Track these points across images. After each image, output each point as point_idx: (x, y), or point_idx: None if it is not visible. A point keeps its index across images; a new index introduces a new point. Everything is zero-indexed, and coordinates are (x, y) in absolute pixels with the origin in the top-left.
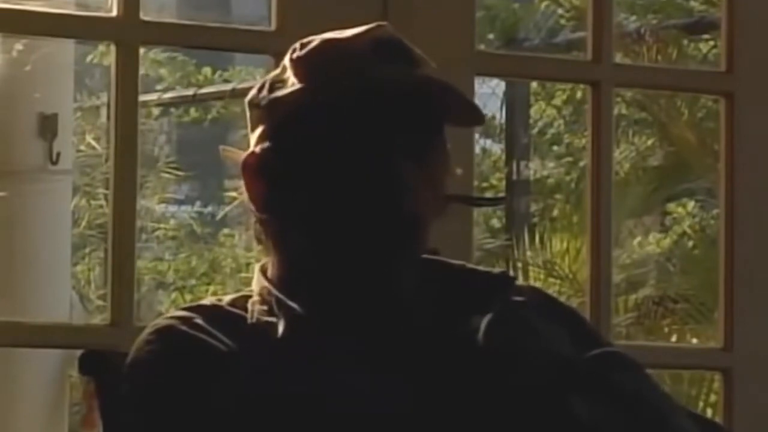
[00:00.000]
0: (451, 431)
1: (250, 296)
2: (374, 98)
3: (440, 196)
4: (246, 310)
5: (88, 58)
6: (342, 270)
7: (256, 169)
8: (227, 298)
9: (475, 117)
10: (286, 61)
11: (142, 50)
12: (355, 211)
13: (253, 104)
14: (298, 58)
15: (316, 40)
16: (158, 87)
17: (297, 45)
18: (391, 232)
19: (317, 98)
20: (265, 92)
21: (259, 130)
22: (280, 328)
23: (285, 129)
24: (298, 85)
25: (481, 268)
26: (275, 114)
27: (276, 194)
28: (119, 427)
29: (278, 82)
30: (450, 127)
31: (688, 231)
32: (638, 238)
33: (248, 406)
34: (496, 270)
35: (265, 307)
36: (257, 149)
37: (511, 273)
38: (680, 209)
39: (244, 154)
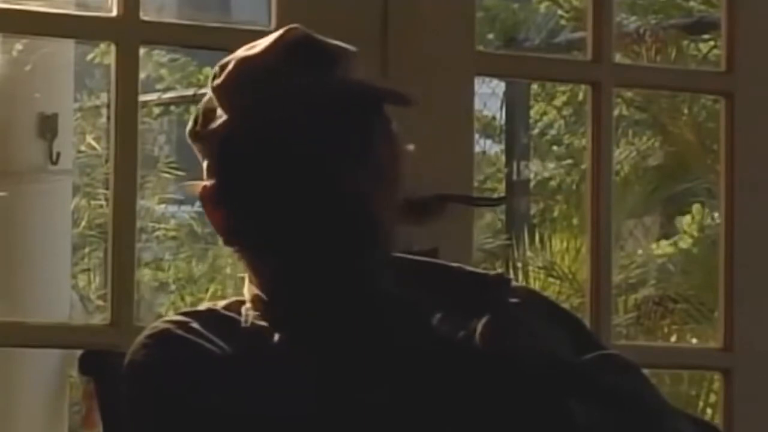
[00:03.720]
0: None
1: (244, 302)
2: (300, 110)
3: (398, 188)
4: (240, 314)
5: (88, 58)
6: (314, 283)
7: (211, 201)
8: (222, 303)
9: (402, 99)
10: (208, 89)
11: (142, 52)
12: (308, 226)
13: (192, 137)
14: (218, 86)
15: (231, 62)
16: (158, 87)
17: (216, 69)
18: (348, 237)
19: (244, 124)
20: (199, 125)
21: (206, 161)
22: (275, 335)
23: (225, 158)
24: (224, 116)
25: (478, 269)
26: (213, 145)
27: (235, 222)
28: (118, 428)
29: (210, 111)
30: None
31: (696, 235)
32: (642, 244)
33: (242, 409)
34: (493, 272)
35: (257, 313)
36: (208, 182)
37: (509, 274)
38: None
39: (200, 186)
